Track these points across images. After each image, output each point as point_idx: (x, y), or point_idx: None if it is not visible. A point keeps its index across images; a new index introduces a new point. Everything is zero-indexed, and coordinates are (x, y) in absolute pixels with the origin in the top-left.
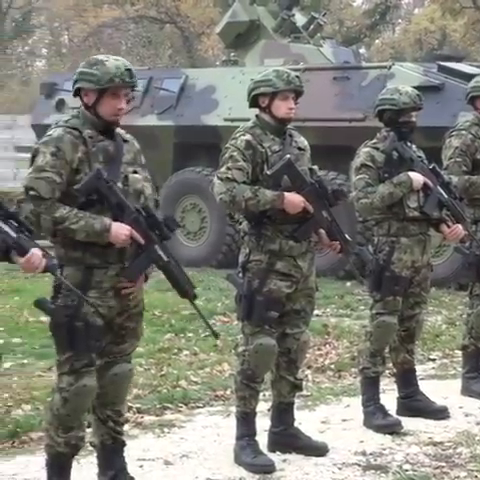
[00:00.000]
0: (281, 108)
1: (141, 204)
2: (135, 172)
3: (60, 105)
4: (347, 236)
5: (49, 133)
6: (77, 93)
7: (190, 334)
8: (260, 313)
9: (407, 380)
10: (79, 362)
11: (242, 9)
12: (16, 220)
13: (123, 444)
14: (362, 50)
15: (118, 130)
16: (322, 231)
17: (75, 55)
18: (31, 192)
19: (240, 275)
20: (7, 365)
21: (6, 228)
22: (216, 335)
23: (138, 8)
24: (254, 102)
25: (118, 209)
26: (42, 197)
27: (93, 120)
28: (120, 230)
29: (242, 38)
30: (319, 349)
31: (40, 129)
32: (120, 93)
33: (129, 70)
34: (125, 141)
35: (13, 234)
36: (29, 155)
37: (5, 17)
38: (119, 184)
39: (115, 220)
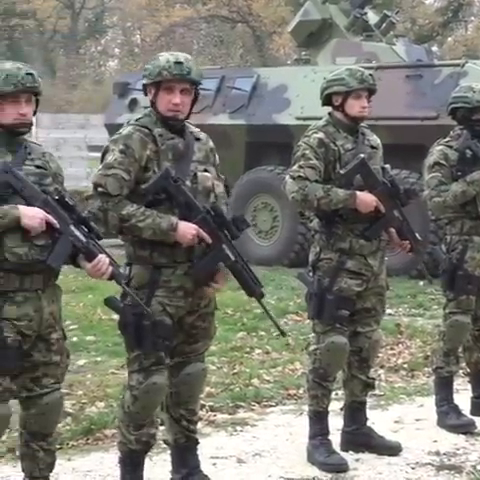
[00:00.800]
0: (354, 107)
1: (210, 203)
2: (206, 170)
3: (133, 104)
4: (418, 235)
5: (119, 131)
6: (145, 90)
7: (262, 333)
8: (331, 311)
9: None
10: (148, 360)
11: (314, 8)
12: (87, 225)
13: (196, 442)
14: (434, 48)
15: (191, 128)
16: (392, 230)
17: (147, 55)
18: (99, 188)
19: (310, 274)
20: (81, 363)
21: (76, 232)
22: (283, 333)
23: (210, 7)
24: (327, 101)
25: (186, 208)
26: (110, 194)
27: (160, 117)
28: (187, 229)
29: (314, 37)
30: (392, 348)
31: (113, 128)
32: (174, 87)
33: (180, 63)
34: (197, 139)
35: (83, 239)
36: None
37: (78, 17)
38: (187, 182)
39: (183, 219)
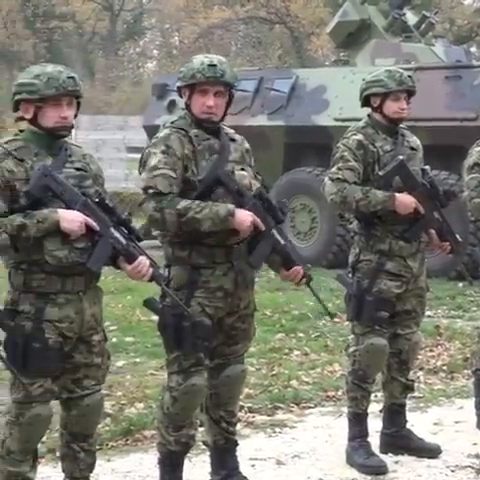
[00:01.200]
0: (393, 108)
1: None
2: (243, 169)
3: (171, 106)
4: (458, 237)
5: (156, 135)
6: (179, 93)
7: (301, 334)
8: (370, 313)
9: None
10: (187, 361)
11: (353, 8)
12: (127, 227)
13: (236, 444)
14: (473, 49)
15: (226, 129)
16: (432, 231)
17: (185, 56)
18: (150, 190)
19: (350, 275)
20: (120, 364)
21: (117, 234)
22: (331, 315)
23: (248, 9)
24: (366, 102)
25: (238, 195)
26: (162, 192)
27: (195, 119)
28: (244, 215)
29: (353, 37)
30: (431, 350)
31: (151, 130)
32: (209, 90)
33: (213, 66)
34: (232, 140)
35: (123, 241)
36: (139, 156)
37: (117, 19)
38: None
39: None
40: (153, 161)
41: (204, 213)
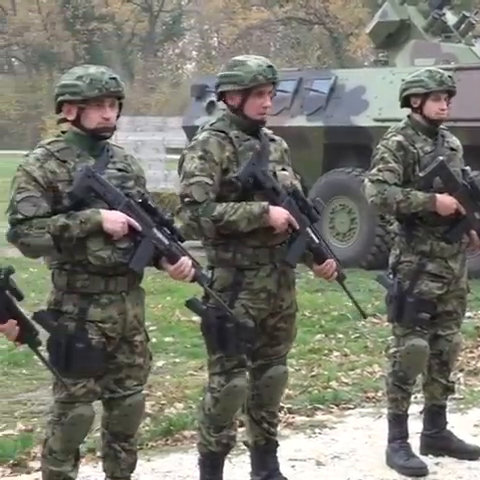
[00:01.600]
0: (433, 109)
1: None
2: (283, 169)
3: (211, 107)
4: None
5: (195, 138)
6: (221, 97)
7: (340, 335)
8: (411, 314)
9: None
10: (230, 363)
11: (392, 9)
12: (169, 228)
13: (276, 445)
14: None
15: (265, 130)
16: (473, 232)
17: (224, 57)
18: (186, 199)
19: (390, 276)
20: (160, 364)
21: (159, 235)
22: (364, 315)
23: (287, 10)
24: (406, 102)
25: (273, 193)
26: (197, 201)
27: (239, 121)
28: (279, 213)
29: (392, 38)
30: (471, 351)
31: (191, 131)
32: (265, 91)
33: (271, 67)
34: (272, 140)
35: (165, 241)
36: (179, 157)
37: (156, 20)
38: None
39: (271, 205)
40: (189, 167)
41: (239, 213)
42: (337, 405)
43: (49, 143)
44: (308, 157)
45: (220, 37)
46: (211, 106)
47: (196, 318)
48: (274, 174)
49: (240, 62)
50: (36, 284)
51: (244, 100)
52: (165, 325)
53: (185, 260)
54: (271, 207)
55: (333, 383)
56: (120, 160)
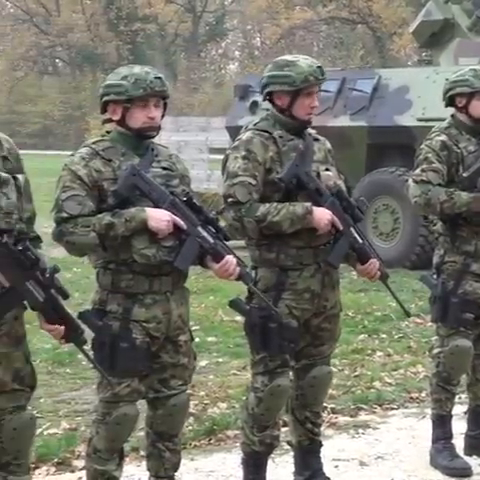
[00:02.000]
0: (478, 108)
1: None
2: (327, 169)
3: (254, 107)
4: None
5: (238, 137)
6: (267, 97)
7: (383, 335)
8: (455, 315)
9: None
10: (273, 362)
11: (436, 8)
12: (214, 226)
13: (320, 445)
14: None
15: (309, 130)
16: None
17: (267, 57)
18: (229, 199)
19: (434, 276)
20: (203, 363)
21: (204, 233)
22: (408, 314)
23: (330, 9)
24: (450, 102)
25: (316, 193)
26: (240, 202)
27: (285, 121)
28: (323, 213)
29: (436, 37)
30: None
31: (234, 131)
32: (313, 91)
33: (320, 67)
34: (316, 140)
35: (210, 240)
36: (222, 157)
37: (199, 21)
38: None
39: (315, 205)
40: (232, 166)
41: (282, 214)
42: (380, 405)
43: (94, 142)
44: (351, 157)
45: (263, 37)
46: (254, 106)
47: (239, 318)
48: (318, 174)
49: (291, 62)
50: (80, 284)
51: (293, 100)
52: (208, 325)
53: (230, 258)
54: (314, 208)
55: (376, 383)
56: (165, 159)
